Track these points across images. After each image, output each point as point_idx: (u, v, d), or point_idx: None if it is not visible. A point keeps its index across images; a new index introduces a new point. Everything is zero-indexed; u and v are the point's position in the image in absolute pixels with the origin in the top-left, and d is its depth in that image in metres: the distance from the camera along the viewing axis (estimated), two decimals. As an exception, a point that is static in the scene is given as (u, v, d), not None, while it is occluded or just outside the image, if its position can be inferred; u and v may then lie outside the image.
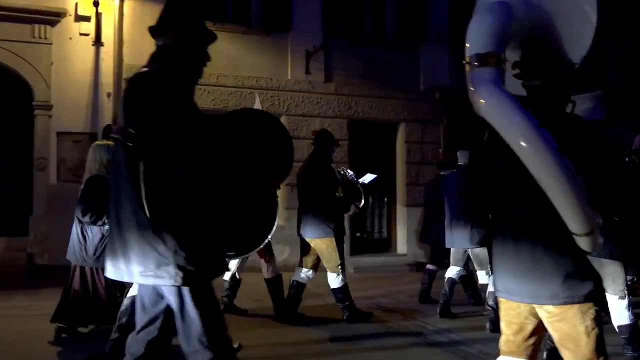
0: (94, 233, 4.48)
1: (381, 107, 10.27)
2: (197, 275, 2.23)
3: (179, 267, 2.20)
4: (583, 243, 2.17)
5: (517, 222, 2.30)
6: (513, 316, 2.33)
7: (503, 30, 2.35)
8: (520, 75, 2.39)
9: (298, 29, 9.76)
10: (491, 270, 2.72)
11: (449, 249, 5.87)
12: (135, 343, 2.39)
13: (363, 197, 6.00)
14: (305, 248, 5.61)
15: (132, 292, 3.72)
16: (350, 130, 10.05)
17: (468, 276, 6.32)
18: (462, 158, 5.93)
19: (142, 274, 2.25)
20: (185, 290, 2.25)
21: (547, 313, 2.23)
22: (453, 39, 10.70)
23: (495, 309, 4.63)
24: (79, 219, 4.48)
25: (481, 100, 2.32)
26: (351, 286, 5.94)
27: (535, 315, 2.28)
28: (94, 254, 4.46)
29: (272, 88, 9.67)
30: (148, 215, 2.18)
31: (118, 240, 2.30)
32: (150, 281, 2.27)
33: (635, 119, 12.02)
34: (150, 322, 2.38)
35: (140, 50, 8.76)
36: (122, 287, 4.19)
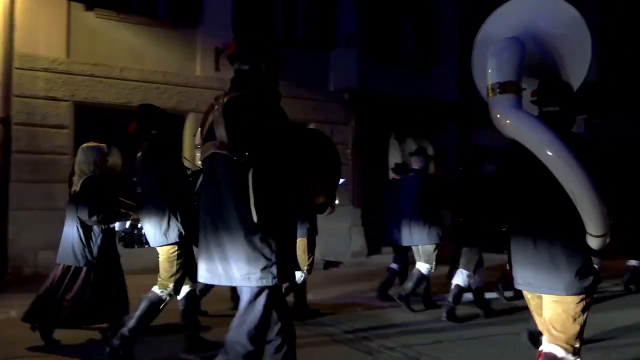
0: (97, 234, 4.49)
1: (291, 108, 10.25)
2: (289, 275, 2.57)
3: (279, 269, 2.45)
4: (595, 243, 2.58)
5: (536, 225, 2.69)
6: (537, 305, 2.80)
7: (519, 63, 2.75)
8: (539, 102, 2.81)
9: (208, 24, 9.56)
10: (509, 266, 2.93)
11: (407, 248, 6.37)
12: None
13: (337, 198, 6.12)
14: None
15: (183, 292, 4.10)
16: (260, 129, 10.02)
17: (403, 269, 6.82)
18: (416, 163, 6.35)
19: (245, 276, 2.45)
20: (266, 289, 2.48)
21: (553, 298, 2.65)
22: (362, 42, 11.02)
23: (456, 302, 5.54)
24: (81, 220, 4.44)
25: (507, 122, 2.73)
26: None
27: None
28: (98, 253, 4.48)
29: (180, 84, 9.39)
30: (256, 221, 2.40)
31: (215, 248, 2.51)
32: (253, 283, 2.46)
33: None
34: None
35: (35, 37, 8.16)
36: (121, 286, 4.52)
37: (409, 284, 6.12)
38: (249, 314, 2.50)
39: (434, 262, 6.02)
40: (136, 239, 4.29)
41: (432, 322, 5.65)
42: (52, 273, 4.58)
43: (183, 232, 3.91)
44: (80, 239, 4.47)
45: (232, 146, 2.47)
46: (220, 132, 2.52)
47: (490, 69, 2.82)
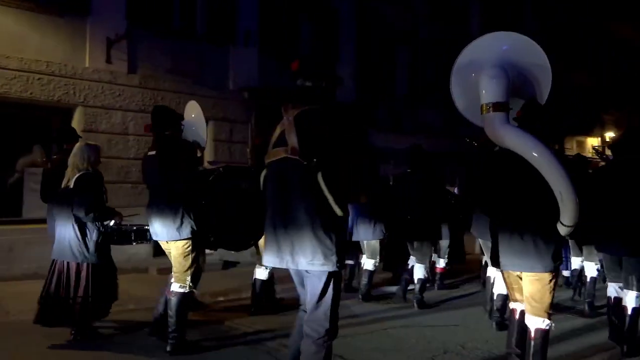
0: (92, 230, 4.58)
1: (189, 104, 10.02)
2: (344, 262, 2.98)
3: (338, 257, 2.86)
4: (564, 231, 3.35)
5: (522, 220, 3.43)
6: (515, 281, 3.60)
7: (507, 87, 3.47)
8: (525, 121, 3.52)
9: (98, 13, 9.00)
10: (492, 256, 3.67)
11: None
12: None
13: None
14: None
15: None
16: (156, 126, 9.62)
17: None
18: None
19: (310, 262, 2.87)
20: (332, 275, 2.91)
21: (532, 275, 3.44)
22: (263, 40, 10.97)
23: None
24: (77, 217, 4.50)
25: (501, 133, 3.45)
26: (155, 288, 5.73)
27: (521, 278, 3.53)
28: (95, 250, 4.58)
29: (67, 75, 8.75)
30: (341, 215, 2.85)
31: (284, 238, 2.92)
32: (317, 268, 2.88)
33: (422, 123, 13.77)
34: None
35: None
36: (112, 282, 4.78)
37: (364, 283, 6.66)
38: (321, 298, 2.91)
39: (378, 257, 6.67)
40: (125, 236, 4.76)
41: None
42: (50, 270, 4.65)
43: (195, 228, 4.24)
44: (77, 235, 4.55)
45: (303, 152, 2.86)
46: (292, 140, 2.90)
47: (484, 91, 3.49)
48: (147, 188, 4.65)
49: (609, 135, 21.26)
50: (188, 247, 4.31)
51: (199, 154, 5.28)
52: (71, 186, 4.55)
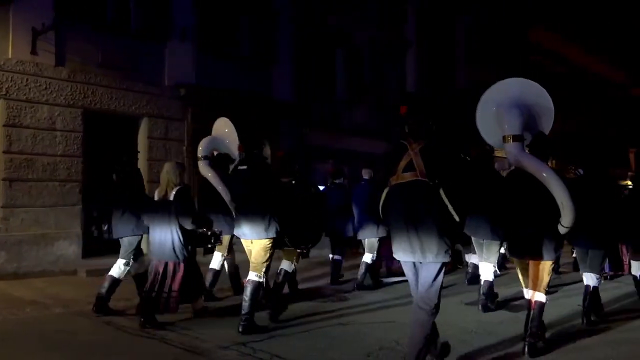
0: (190, 235, 5.36)
1: (122, 99, 9.67)
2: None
3: (451, 252, 3.79)
4: (563, 231, 4.38)
5: (534, 222, 4.52)
6: (524, 268, 4.78)
7: (522, 123, 4.49)
8: (535, 147, 4.63)
9: (23, 2, 8.52)
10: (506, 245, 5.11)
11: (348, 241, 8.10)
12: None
13: None
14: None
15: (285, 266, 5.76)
16: (85, 122, 9.22)
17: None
18: (366, 174, 7.99)
19: (435, 257, 3.73)
20: (443, 264, 3.80)
21: (541, 263, 4.57)
22: (200, 37, 10.75)
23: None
24: (180, 225, 5.27)
25: (519, 158, 4.49)
26: (84, 291, 5.54)
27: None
28: (191, 251, 5.41)
29: (-13, 66, 8.24)
30: (458, 220, 3.73)
31: (415, 239, 3.75)
32: (439, 259, 3.75)
33: (359, 123, 13.97)
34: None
35: None
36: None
37: (361, 274, 7.50)
38: (436, 281, 3.81)
39: (375, 252, 7.56)
40: (206, 239, 5.59)
41: (264, 320, 5.75)
42: (153, 269, 5.42)
43: (279, 230, 5.10)
44: (180, 239, 5.29)
45: (428, 175, 3.72)
46: (420, 166, 3.75)
47: (505, 125, 4.51)
48: (234, 197, 5.67)
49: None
50: (270, 244, 5.17)
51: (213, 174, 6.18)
52: (170, 198, 5.32)
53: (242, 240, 5.31)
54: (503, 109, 4.55)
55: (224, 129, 6.55)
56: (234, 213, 5.56)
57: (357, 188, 8.02)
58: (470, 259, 7.77)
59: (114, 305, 5.90)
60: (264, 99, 11.79)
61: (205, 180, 6.46)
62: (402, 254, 3.87)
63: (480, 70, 18.40)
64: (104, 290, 5.73)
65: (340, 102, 14.00)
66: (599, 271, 5.70)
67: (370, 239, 7.54)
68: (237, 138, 6.39)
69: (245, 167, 5.41)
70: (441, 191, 3.70)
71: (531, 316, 4.57)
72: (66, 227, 8.88)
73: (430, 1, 16.22)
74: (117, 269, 5.86)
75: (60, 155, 8.90)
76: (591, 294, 5.60)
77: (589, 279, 5.66)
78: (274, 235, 5.10)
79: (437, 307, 3.80)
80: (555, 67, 24.35)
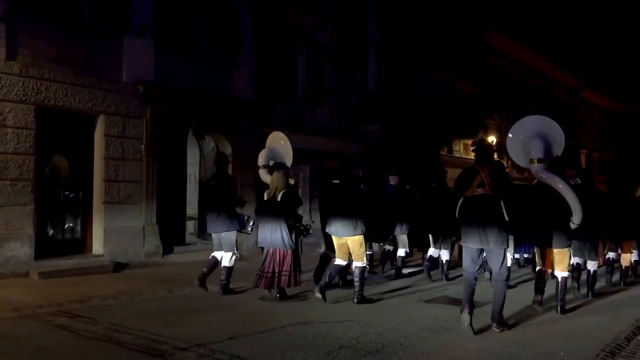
0: (293, 228, 6.68)
1: (77, 96, 9.37)
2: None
3: (508, 241, 5.48)
4: (574, 226, 5.94)
5: (553, 222, 6.13)
6: (550, 253, 6.36)
7: (543, 149, 5.88)
8: (552, 166, 5.98)
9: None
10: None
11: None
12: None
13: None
14: None
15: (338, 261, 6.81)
16: (38, 118, 8.89)
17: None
18: (393, 180, 9.29)
19: (500, 245, 5.31)
20: (506, 250, 5.45)
21: (560, 250, 6.27)
22: (160, 34, 10.54)
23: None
24: (286, 221, 6.60)
25: (542, 175, 5.97)
26: (36, 294, 5.36)
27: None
28: (293, 241, 6.68)
29: None
30: (507, 219, 5.32)
31: (483, 233, 5.31)
32: (502, 246, 5.34)
33: (321, 123, 13.99)
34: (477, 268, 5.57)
35: None
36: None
37: (398, 265, 8.97)
38: (504, 261, 5.44)
39: (407, 247, 9.00)
40: (303, 231, 6.98)
41: (225, 319, 5.72)
42: (267, 254, 6.74)
43: (364, 228, 6.58)
44: (287, 232, 6.60)
45: (494, 190, 5.37)
46: (489, 184, 5.36)
47: (532, 151, 5.92)
48: (324, 205, 7.19)
49: (490, 138, 23.06)
50: (361, 239, 6.61)
51: (292, 182, 7.16)
52: (278, 199, 6.69)
53: (334, 237, 6.77)
54: (528, 139, 6.01)
55: (279, 142, 7.73)
56: (325, 216, 7.00)
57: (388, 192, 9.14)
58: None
59: (69, 307, 5.73)
60: (225, 97, 11.67)
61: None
62: (473, 243, 5.43)
63: (440, 73, 18.77)
64: (223, 277, 7.06)
65: (302, 102, 14.00)
66: (596, 258, 7.43)
67: (401, 236, 8.82)
68: (291, 149, 7.61)
69: (337, 181, 6.91)
70: (501, 202, 5.34)
71: (559, 289, 6.30)
72: (17, 228, 8.55)
73: (391, 3, 16.40)
74: (228, 260, 7.10)
75: (12, 153, 8.56)
76: (592, 276, 7.38)
77: (591, 265, 7.37)
78: (362, 233, 6.58)
79: (508, 277, 5.62)
80: (512, 71, 25.06)
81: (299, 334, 5.10)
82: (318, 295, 6.53)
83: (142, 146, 10.17)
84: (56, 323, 5.40)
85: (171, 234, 10.72)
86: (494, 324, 5.37)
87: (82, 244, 9.71)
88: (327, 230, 6.82)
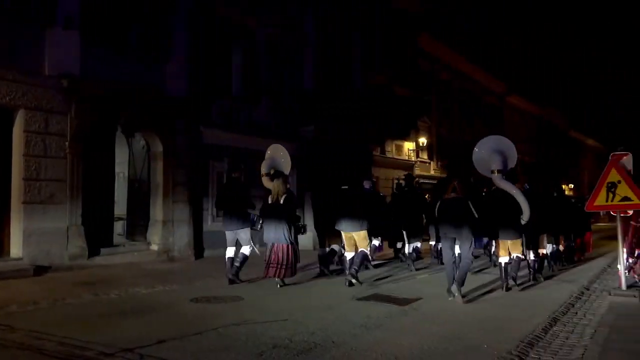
0: (293, 227, 7.90)
1: (-6, 89, 8.78)
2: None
3: (474, 234, 7.18)
4: (523, 222, 7.50)
5: (508, 221, 7.67)
6: (505, 245, 7.92)
7: (502, 161, 7.50)
8: (508, 176, 7.63)
9: None
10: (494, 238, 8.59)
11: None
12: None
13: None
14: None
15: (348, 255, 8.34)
16: (-50, 112, 8.26)
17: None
18: (367, 184, 9.97)
19: (467, 236, 6.97)
20: (471, 241, 7.16)
21: (513, 241, 7.84)
22: (87, 26, 10.06)
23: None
24: (287, 220, 7.82)
25: (500, 183, 7.56)
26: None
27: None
28: (295, 237, 7.95)
29: None
30: (477, 217, 6.97)
31: (453, 228, 6.98)
32: (469, 238, 6.96)
33: (257, 122, 13.86)
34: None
35: None
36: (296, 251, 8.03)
37: (413, 260, 10.27)
38: (470, 248, 6.95)
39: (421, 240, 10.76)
40: (300, 230, 8.21)
41: (154, 323, 5.55)
42: (273, 249, 7.83)
43: (369, 226, 8.19)
44: (289, 230, 7.78)
45: (463, 194, 7.11)
46: (459, 191, 7.14)
47: (492, 163, 7.47)
48: (331, 206, 8.60)
49: (422, 139, 23.80)
50: (365, 234, 8.19)
51: (289, 185, 8.27)
52: (281, 202, 7.86)
53: (343, 233, 8.23)
54: (490, 154, 7.57)
55: (279, 153, 8.81)
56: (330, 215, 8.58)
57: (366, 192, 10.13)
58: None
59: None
60: (157, 93, 11.31)
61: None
62: (449, 235, 7.06)
63: (375, 74, 19.12)
64: (238, 264, 8.15)
65: (238, 100, 13.82)
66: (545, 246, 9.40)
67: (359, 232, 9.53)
68: (289, 160, 8.70)
69: (347, 187, 8.51)
70: (469, 203, 6.90)
71: (511, 266, 7.90)
72: None
73: (327, 3, 16.51)
74: (247, 251, 8.22)
75: None
76: (540, 260, 9.17)
77: (549, 249, 9.77)
78: (366, 229, 8.13)
79: (471, 260, 7.27)
80: (442, 74, 25.96)
81: (232, 335, 5.04)
82: (353, 281, 7.92)
83: (67, 143, 9.67)
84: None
85: (98, 235, 10.26)
86: (454, 289, 6.92)
87: (-1, 247, 9.10)
88: (336, 227, 8.24)
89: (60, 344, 4.64)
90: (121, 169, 12.21)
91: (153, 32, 11.43)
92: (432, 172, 24.93)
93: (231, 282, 8.03)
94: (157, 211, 11.51)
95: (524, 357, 4.55)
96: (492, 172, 7.47)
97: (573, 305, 6.89)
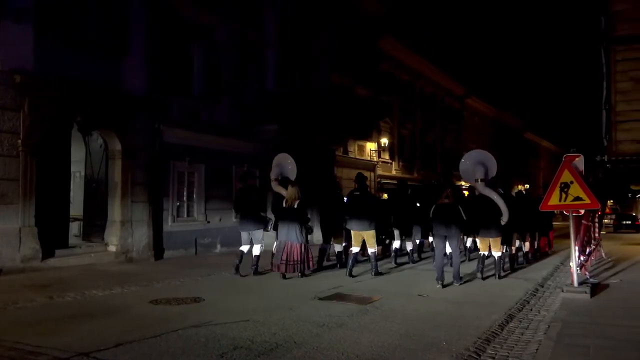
0: (304, 228, 9.10)
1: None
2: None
3: (462, 233, 9.57)
4: (502, 223, 8.87)
5: (488, 221, 8.96)
6: (486, 242, 9.24)
7: (484, 172, 8.94)
8: (489, 184, 9.02)
9: None
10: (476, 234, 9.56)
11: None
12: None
13: None
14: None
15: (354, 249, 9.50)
16: None
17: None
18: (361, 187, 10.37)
19: (456, 234, 8.56)
20: (459, 238, 9.53)
21: (492, 239, 9.06)
22: (41, 20, 9.73)
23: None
24: (299, 222, 9.01)
25: (483, 190, 8.95)
26: None
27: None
28: (306, 237, 9.11)
29: None
30: (465, 219, 8.59)
31: (448, 226, 8.35)
32: (458, 235, 8.73)
33: (218, 122, 13.70)
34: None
35: None
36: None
37: (415, 255, 11.73)
38: (458, 244, 8.71)
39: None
40: (309, 230, 9.43)
41: (112, 326, 5.42)
42: (286, 247, 8.86)
43: (376, 226, 9.45)
44: (301, 231, 8.96)
45: (454, 200, 8.57)
46: (451, 197, 8.50)
47: (476, 173, 8.93)
48: (345, 209, 9.75)
49: (383, 140, 24.07)
50: (374, 233, 9.33)
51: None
52: (295, 207, 8.97)
53: (352, 232, 9.40)
54: (474, 165, 8.95)
55: (287, 160, 9.79)
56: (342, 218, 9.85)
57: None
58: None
59: None
60: (114, 90, 11.04)
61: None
62: (441, 233, 8.32)
63: (337, 75, 19.20)
64: (254, 263, 9.16)
65: (198, 98, 13.63)
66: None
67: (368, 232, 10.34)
68: (295, 167, 9.66)
69: (358, 192, 9.49)
70: (459, 207, 8.32)
71: (496, 262, 9.13)
72: None
73: (288, 3, 16.47)
74: (258, 250, 9.21)
75: None
76: (511, 255, 10.53)
77: (519, 244, 11.04)
78: (374, 229, 9.33)
79: (460, 253, 8.58)
80: (402, 75, 26.30)
81: (192, 337, 4.97)
82: (353, 274, 9.08)
83: (19, 141, 9.33)
84: None
85: (52, 236, 9.95)
86: (455, 281, 8.30)
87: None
88: (347, 227, 9.53)
89: (12, 349, 4.48)
90: (77, 168, 11.87)
91: (110, 27, 11.14)
92: (394, 173, 25.24)
93: (255, 273, 9.13)
94: (115, 211, 11.23)
95: (481, 353, 4.65)
96: (476, 180, 8.87)
97: (528, 302, 7.09)
